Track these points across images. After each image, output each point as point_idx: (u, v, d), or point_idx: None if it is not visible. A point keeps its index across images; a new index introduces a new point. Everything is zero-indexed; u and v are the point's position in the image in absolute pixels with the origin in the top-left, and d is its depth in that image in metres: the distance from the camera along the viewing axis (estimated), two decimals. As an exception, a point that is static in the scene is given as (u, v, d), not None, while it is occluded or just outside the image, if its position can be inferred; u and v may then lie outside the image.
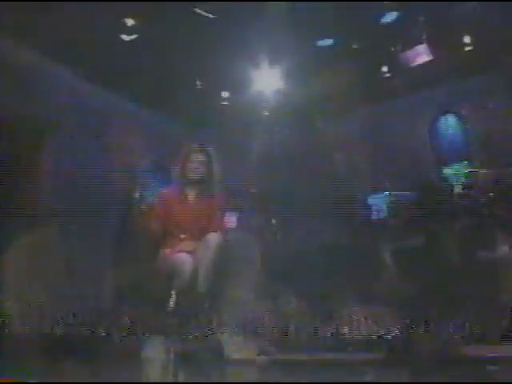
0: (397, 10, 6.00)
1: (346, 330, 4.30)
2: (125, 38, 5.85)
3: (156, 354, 2.74)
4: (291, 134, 9.45)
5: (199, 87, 7.51)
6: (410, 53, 6.68)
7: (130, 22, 5.77)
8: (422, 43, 6.48)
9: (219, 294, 3.74)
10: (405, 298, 4.31)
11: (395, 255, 4.89)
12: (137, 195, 8.15)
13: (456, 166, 8.19)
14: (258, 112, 8.37)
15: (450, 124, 8.41)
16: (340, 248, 5.93)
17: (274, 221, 7.22)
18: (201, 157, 3.17)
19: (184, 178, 3.13)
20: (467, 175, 8.02)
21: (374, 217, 8.32)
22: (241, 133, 8.95)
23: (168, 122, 8.78)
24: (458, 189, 7.73)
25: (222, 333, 3.14)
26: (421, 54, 6.65)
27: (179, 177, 3.16)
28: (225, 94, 7.93)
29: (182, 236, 3.10)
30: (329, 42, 6.81)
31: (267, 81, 7.66)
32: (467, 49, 6.75)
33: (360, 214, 6.54)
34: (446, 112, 8.41)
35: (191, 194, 3.20)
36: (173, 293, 2.92)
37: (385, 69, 7.30)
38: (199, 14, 5.77)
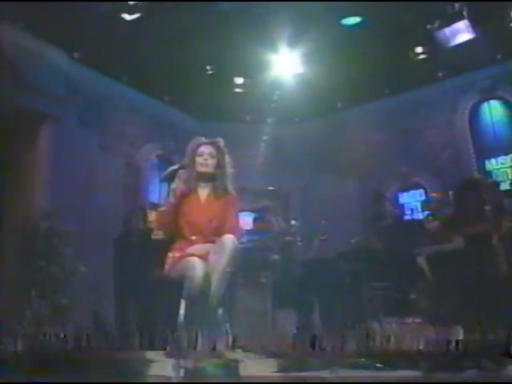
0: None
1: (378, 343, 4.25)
2: (127, 17, 5.83)
3: (164, 370, 2.73)
4: (313, 125, 9.40)
5: (211, 73, 7.48)
6: (448, 30, 6.57)
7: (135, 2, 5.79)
8: (462, 19, 6.36)
9: (234, 303, 3.73)
10: (445, 309, 4.25)
11: (433, 261, 4.82)
12: (143, 193, 8.20)
13: (501, 160, 8.07)
14: (275, 100, 8.34)
15: (494, 111, 8.28)
16: (369, 253, 5.87)
17: (293, 222, 7.17)
18: (210, 150, 3.15)
19: (194, 174, 3.11)
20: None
21: (406, 217, 8.28)
22: (257, 124, 8.95)
23: (176, 112, 8.83)
24: (503, 185, 7.61)
25: (236, 347, 3.12)
26: (461, 32, 6.54)
27: (188, 173, 3.15)
28: (239, 81, 7.90)
29: (193, 238, 3.08)
30: (355, 20, 6.73)
31: (286, 65, 7.62)
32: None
33: (389, 213, 6.45)
34: (490, 98, 8.27)
35: (202, 192, 3.18)
36: (182, 302, 2.91)
37: (419, 49, 7.19)
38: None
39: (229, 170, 3.22)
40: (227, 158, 3.23)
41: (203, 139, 3.23)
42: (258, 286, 5.54)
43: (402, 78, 7.87)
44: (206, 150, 3.18)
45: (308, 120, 9.32)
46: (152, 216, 6.14)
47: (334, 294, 5.74)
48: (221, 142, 3.24)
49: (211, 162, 3.16)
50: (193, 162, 3.17)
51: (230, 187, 3.21)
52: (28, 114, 6.43)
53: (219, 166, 3.18)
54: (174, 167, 3.34)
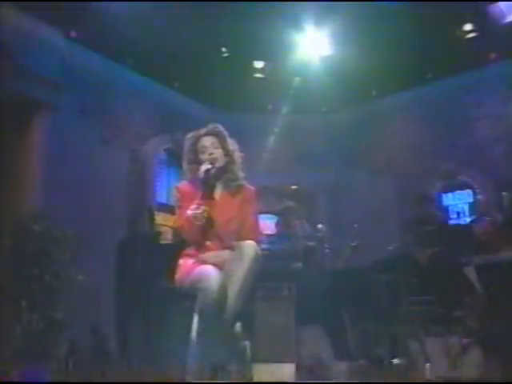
0: None
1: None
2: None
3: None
4: (343, 116, 9.35)
5: (227, 55, 7.48)
6: (502, 4, 6.47)
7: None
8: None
9: (253, 318, 3.70)
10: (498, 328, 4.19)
11: (483, 272, 4.75)
12: (149, 192, 8.23)
13: None
14: (300, 87, 8.31)
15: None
16: (409, 262, 5.82)
17: (320, 226, 7.15)
18: (211, 140, 3.18)
19: (201, 173, 3.11)
20: None
21: (452, 221, 8.18)
22: (279, 114, 8.93)
23: (188, 100, 8.85)
24: None
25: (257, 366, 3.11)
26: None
27: (193, 171, 3.17)
28: (259, 64, 7.89)
29: (208, 243, 3.07)
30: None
31: (312, 47, 7.58)
32: None
33: (433, 217, 6.39)
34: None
35: (216, 190, 3.17)
36: (195, 316, 2.89)
37: (468, 27, 7.09)
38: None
39: (236, 155, 3.23)
40: (231, 143, 3.24)
41: (200, 132, 3.24)
42: (280, 299, 5.52)
43: (447, 60, 7.76)
44: (207, 142, 3.19)
45: (337, 110, 9.27)
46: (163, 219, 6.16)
47: (368, 308, 5.70)
48: (219, 127, 3.26)
49: (217, 153, 3.16)
50: (197, 161, 3.17)
51: (242, 176, 3.22)
52: (18, 103, 6.45)
53: (226, 154, 3.19)
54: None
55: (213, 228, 3.09)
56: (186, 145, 3.25)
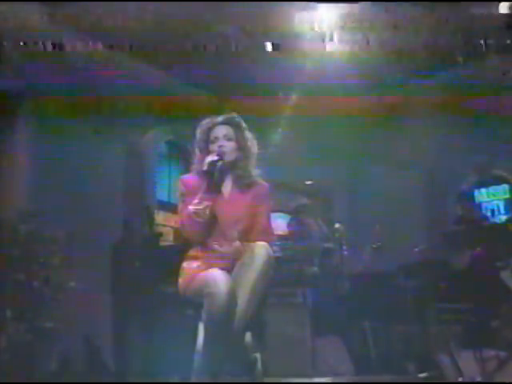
0: None
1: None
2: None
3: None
4: (363, 101, 9.33)
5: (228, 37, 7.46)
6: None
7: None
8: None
9: (264, 327, 3.70)
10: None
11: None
12: (148, 189, 8.25)
13: None
14: (315, 70, 8.29)
15: None
16: (437, 266, 5.81)
17: (338, 225, 7.16)
18: (225, 131, 3.17)
19: (209, 163, 3.11)
20: None
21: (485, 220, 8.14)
22: (292, 100, 8.91)
23: (190, 86, 8.84)
24: None
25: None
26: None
27: (201, 162, 3.16)
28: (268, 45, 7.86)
29: (214, 244, 3.07)
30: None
31: (329, 23, 7.54)
32: None
33: (465, 215, 6.37)
34: None
35: (224, 185, 3.17)
36: (201, 325, 2.89)
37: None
38: None
39: (252, 151, 3.22)
40: (248, 137, 3.23)
41: (215, 119, 3.23)
42: (294, 306, 5.55)
43: (475, 46, 7.67)
44: (220, 132, 3.18)
45: (357, 95, 9.23)
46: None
47: (392, 317, 5.70)
48: (237, 117, 3.25)
49: (229, 146, 3.15)
50: (206, 151, 3.17)
51: (256, 173, 3.21)
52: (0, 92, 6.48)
53: (239, 148, 3.18)
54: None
55: (219, 227, 3.08)
56: (198, 132, 3.25)
